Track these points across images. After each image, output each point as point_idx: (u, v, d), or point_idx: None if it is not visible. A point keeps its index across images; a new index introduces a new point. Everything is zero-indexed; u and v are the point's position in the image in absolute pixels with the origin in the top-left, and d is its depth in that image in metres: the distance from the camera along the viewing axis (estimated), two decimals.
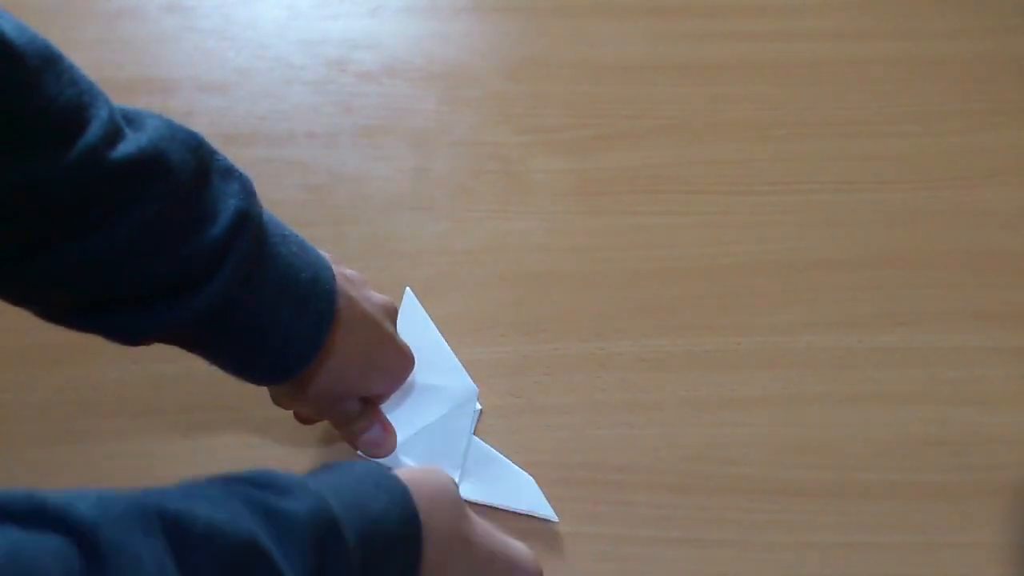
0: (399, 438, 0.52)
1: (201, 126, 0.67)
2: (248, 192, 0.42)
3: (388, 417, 0.52)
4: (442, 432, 0.54)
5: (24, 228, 0.37)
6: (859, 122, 0.69)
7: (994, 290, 0.61)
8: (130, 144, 0.38)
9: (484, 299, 0.60)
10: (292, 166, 0.66)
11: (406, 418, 0.53)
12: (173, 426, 0.55)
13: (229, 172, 0.42)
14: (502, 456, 0.54)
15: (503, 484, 0.53)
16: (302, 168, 0.66)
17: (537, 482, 0.53)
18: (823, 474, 0.54)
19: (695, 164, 0.66)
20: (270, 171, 0.66)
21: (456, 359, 0.57)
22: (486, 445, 0.55)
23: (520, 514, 0.52)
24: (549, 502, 0.52)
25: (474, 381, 0.56)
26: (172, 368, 0.56)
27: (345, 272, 0.48)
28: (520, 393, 0.57)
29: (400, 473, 0.42)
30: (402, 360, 0.50)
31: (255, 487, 0.34)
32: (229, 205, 0.41)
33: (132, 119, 0.40)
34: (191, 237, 0.39)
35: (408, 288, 0.59)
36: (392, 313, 0.51)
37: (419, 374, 0.53)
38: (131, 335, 0.41)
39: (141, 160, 0.38)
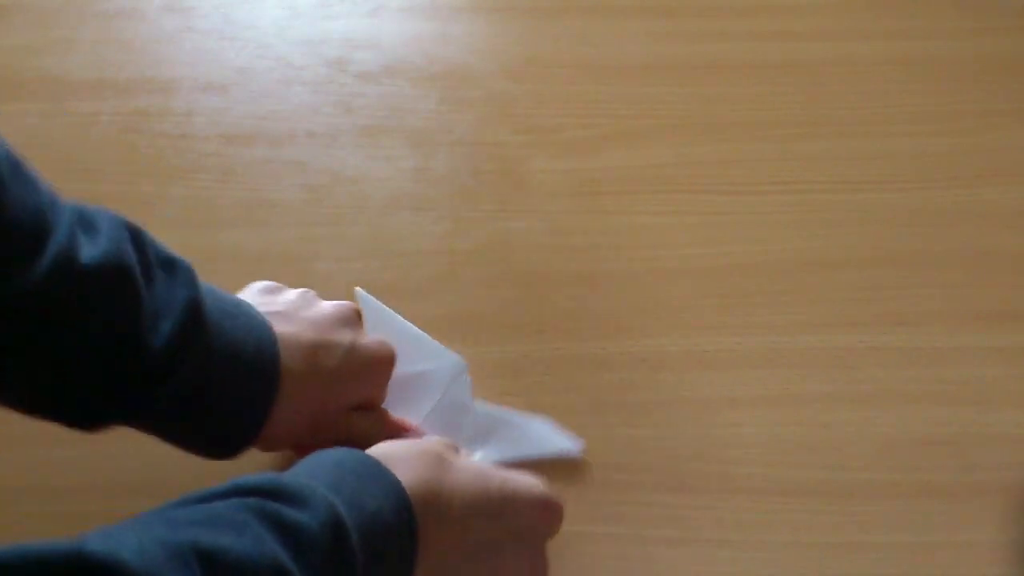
0: None
1: (201, 126, 0.67)
2: (192, 278, 0.42)
3: (393, 416, 0.52)
4: (445, 414, 0.54)
5: None
6: (859, 122, 0.69)
7: (994, 290, 0.61)
8: (94, 247, 0.38)
9: (484, 299, 0.60)
10: (292, 166, 0.66)
11: (406, 412, 0.54)
12: None
13: (170, 262, 0.42)
14: (507, 410, 0.55)
15: (519, 436, 0.54)
16: (302, 168, 0.66)
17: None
18: (823, 474, 0.54)
19: (695, 164, 0.66)
20: (270, 171, 0.66)
21: (431, 339, 0.57)
22: (488, 406, 0.55)
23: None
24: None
25: (474, 381, 0.56)
26: None
27: (278, 309, 0.48)
28: (520, 393, 0.57)
29: (379, 448, 0.43)
30: (370, 360, 0.50)
31: (268, 498, 0.35)
32: (179, 296, 0.41)
33: (83, 219, 0.40)
34: (149, 332, 0.40)
35: (357, 289, 0.59)
36: (346, 317, 0.50)
37: (402, 366, 0.53)
38: (89, 426, 0.42)
39: (106, 264, 0.38)
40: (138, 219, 0.63)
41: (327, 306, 0.50)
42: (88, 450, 0.54)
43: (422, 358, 0.56)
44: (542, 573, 0.46)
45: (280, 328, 0.46)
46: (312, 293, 0.52)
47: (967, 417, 0.56)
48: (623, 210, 0.64)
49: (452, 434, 0.53)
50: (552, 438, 0.54)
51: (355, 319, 0.51)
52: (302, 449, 0.50)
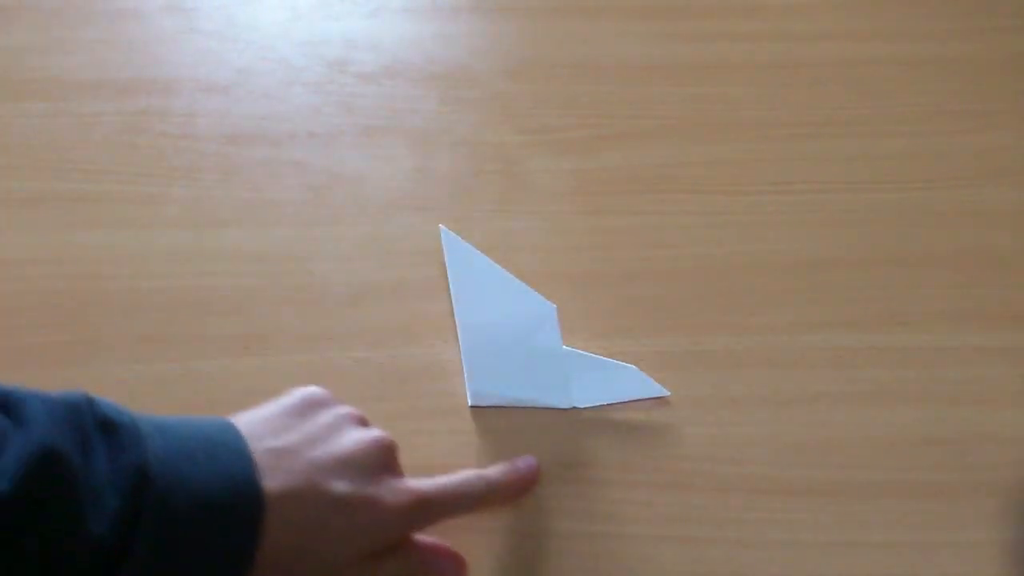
0: (502, 379, 0.54)
1: (202, 127, 0.67)
2: (136, 439, 0.39)
3: (483, 365, 0.54)
4: (535, 358, 0.55)
5: None
6: (859, 122, 0.69)
7: (994, 290, 0.61)
8: (20, 450, 0.36)
9: None
10: (293, 166, 0.66)
11: (495, 357, 0.55)
12: None
13: (111, 426, 0.39)
14: (596, 356, 0.56)
15: (610, 380, 0.55)
16: (302, 168, 0.66)
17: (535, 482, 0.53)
18: (823, 474, 0.54)
19: (695, 164, 0.66)
20: (271, 171, 0.66)
21: (520, 282, 0.56)
22: (577, 351, 0.56)
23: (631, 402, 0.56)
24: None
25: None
26: (176, 367, 0.56)
27: (280, 444, 0.44)
28: None
29: None
30: (373, 513, 0.44)
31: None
32: (121, 463, 0.38)
33: (10, 408, 0.38)
34: (94, 519, 0.37)
35: (442, 226, 0.59)
36: (359, 462, 0.45)
37: (490, 310, 0.55)
38: None
39: (35, 466, 0.36)
40: (138, 219, 0.63)
41: (347, 442, 0.45)
42: None
43: (510, 302, 0.56)
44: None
45: (269, 464, 0.42)
46: (347, 417, 0.47)
47: (967, 417, 0.56)
48: (623, 210, 0.64)
49: (542, 379, 0.55)
50: (642, 382, 0.56)
51: (374, 462, 0.45)
52: None
